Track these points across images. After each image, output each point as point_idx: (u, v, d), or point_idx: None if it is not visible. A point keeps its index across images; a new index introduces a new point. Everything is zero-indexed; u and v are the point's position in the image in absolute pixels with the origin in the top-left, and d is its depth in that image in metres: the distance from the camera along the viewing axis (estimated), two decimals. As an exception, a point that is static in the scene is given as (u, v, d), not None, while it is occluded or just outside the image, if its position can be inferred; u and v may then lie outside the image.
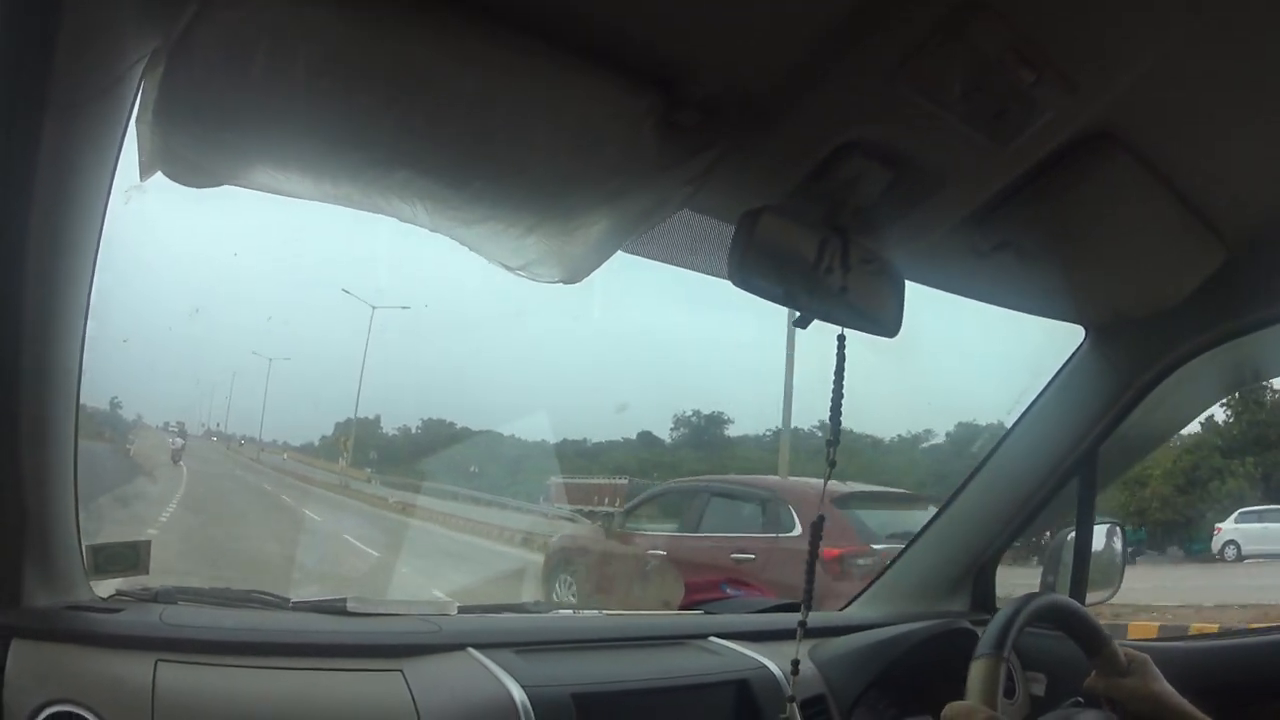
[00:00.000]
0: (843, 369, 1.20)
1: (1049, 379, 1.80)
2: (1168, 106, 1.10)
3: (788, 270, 1.13)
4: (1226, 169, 1.24)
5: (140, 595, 1.30)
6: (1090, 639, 1.37)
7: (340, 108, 0.94)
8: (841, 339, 1.19)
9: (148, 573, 1.35)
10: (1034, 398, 1.81)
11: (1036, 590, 1.37)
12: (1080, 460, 1.76)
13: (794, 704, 1.34)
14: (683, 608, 1.84)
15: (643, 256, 1.34)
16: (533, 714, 1.21)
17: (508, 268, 1.19)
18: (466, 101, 0.96)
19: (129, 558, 1.33)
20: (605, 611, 1.68)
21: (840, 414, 1.20)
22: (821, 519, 1.26)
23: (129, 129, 0.95)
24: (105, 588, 1.28)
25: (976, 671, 1.20)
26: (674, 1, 0.92)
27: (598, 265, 1.19)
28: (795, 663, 1.33)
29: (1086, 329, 1.73)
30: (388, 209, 1.07)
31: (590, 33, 0.94)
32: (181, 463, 18.03)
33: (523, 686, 1.24)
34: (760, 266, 1.10)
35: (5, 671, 1.02)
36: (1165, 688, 1.36)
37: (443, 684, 1.24)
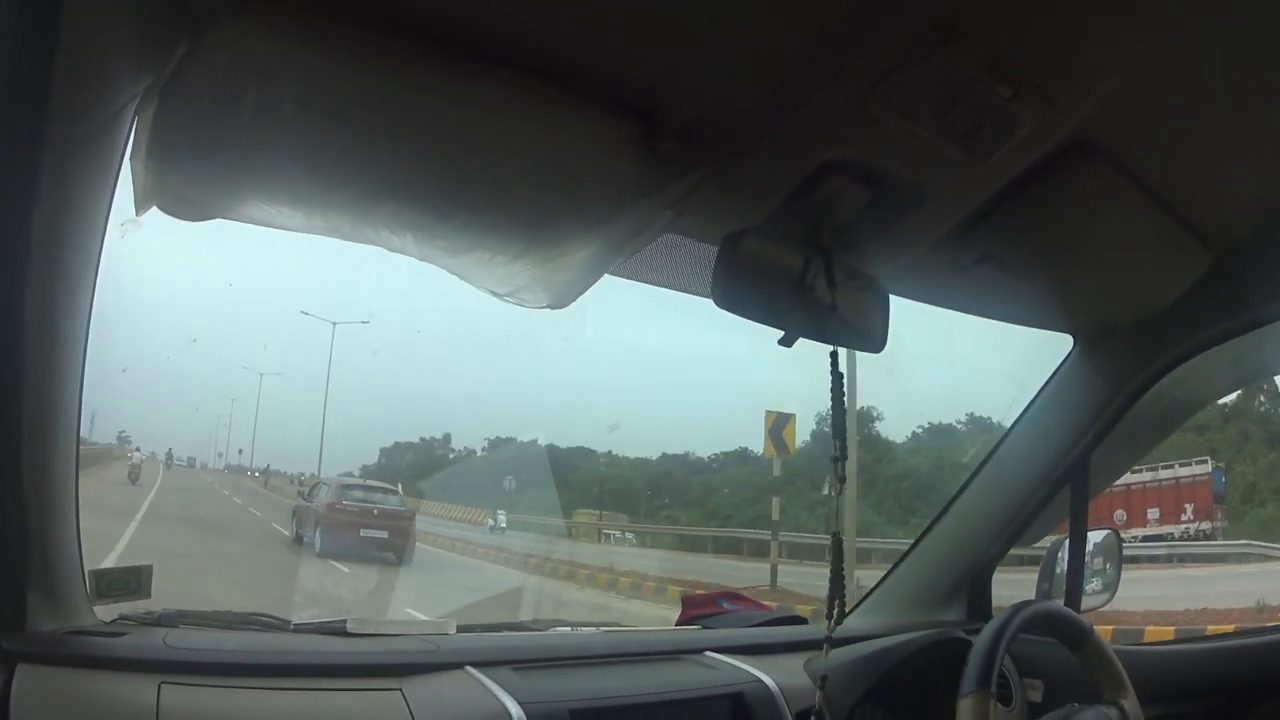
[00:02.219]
0: (841, 385, 1.20)
1: (1039, 388, 1.81)
2: (1145, 116, 1.10)
3: (772, 290, 1.13)
4: (1207, 175, 1.25)
5: (143, 619, 1.31)
6: (1071, 634, 1.40)
7: (330, 144, 0.96)
8: (834, 355, 1.20)
9: (149, 596, 1.36)
10: (1025, 406, 1.82)
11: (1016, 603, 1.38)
12: (1072, 467, 1.77)
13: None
14: (680, 622, 1.84)
15: (628, 279, 1.36)
16: None
17: (495, 294, 1.21)
18: (452, 135, 0.98)
19: (130, 583, 1.35)
20: (602, 628, 1.68)
21: (844, 429, 1.21)
22: (839, 536, 1.28)
23: (123, 165, 0.97)
24: (108, 612, 1.29)
25: (964, 710, 1.22)
26: (650, 32, 0.93)
27: (584, 289, 1.21)
28: (824, 678, 1.38)
29: (1075, 338, 1.74)
30: (377, 240, 1.10)
31: (569, 65, 0.96)
32: (140, 481, 16.79)
33: (520, 704, 1.24)
34: (743, 288, 1.11)
35: (11, 696, 1.02)
36: None
37: (441, 702, 1.25)
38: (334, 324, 20.62)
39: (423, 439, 31.43)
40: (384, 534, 11.43)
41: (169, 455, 30.53)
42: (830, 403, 1.21)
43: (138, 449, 20.68)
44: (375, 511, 11.77)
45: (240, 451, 28.47)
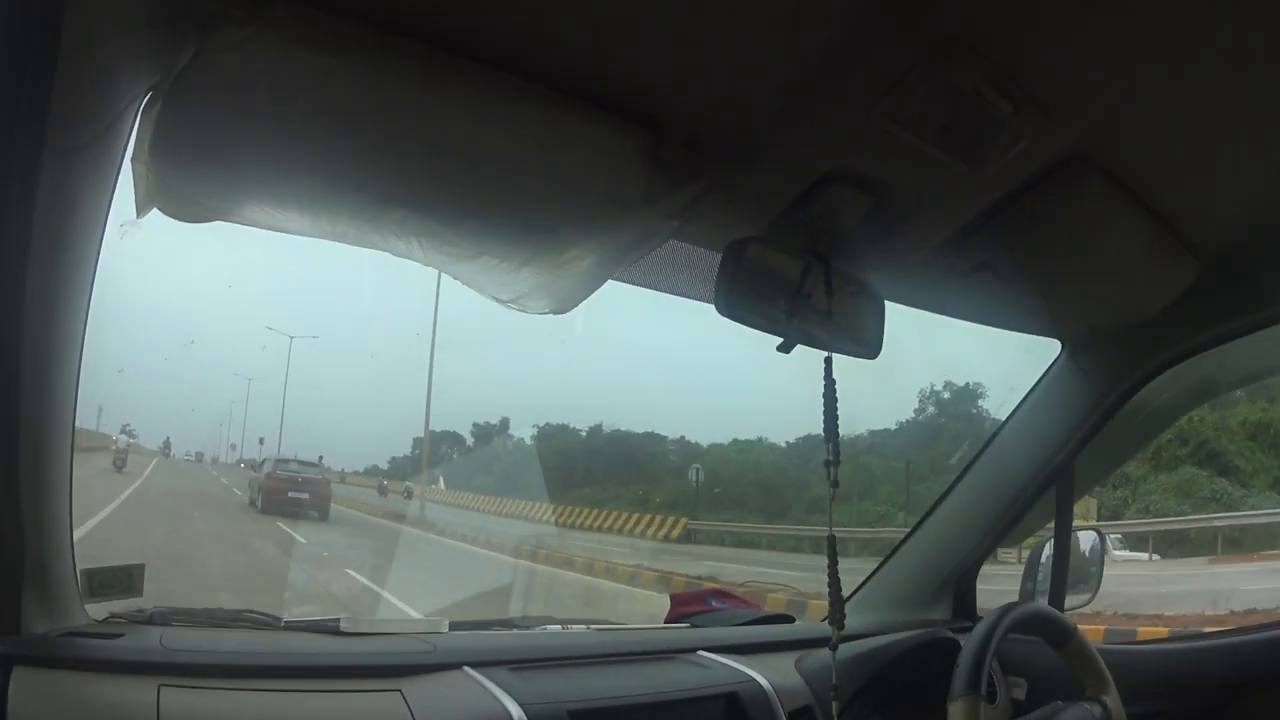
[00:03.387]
0: (833, 390, 1.21)
1: (1026, 391, 1.83)
2: (1140, 129, 1.12)
3: (771, 297, 1.15)
4: (1198, 188, 1.27)
5: (134, 618, 1.30)
6: (1056, 633, 1.43)
7: (338, 149, 0.96)
8: (828, 360, 1.21)
9: (141, 594, 1.35)
10: (1012, 409, 1.85)
11: (1005, 605, 1.40)
12: (1058, 469, 1.80)
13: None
14: (669, 619, 1.84)
15: (631, 284, 1.36)
16: None
17: (500, 301, 1.21)
18: (461, 143, 0.98)
19: (123, 581, 1.33)
20: (593, 626, 1.69)
21: (836, 434, 1.22)
22: (833, 537, 1.28)
23: (124, 166, 0.96)
24: (99, 611, 1.28)
25: (955, 713, 1.24)
26: (657, 42, 0.94)
27: (587, 295, 1.22)
28: (835, 687, 1.36)
29: (1063, 342, 1.76)
30: (383, 245, 1.09)
31: (577, 74, 0.97)
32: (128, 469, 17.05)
33: (521, 705, 1.24)
34: (745, 295, 1.13)
35: (8, 699, 1.01)
36: None
37: (442, 704, 1.24)
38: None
39: (477, 425, 31.39)
40: (305, 495, 15.53)
41: (166, 444, 30.31)
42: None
43: (122, 433, 19.75)
44: (299, 479, 15.94)
45: (261, 441, 27.60)
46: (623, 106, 1.01)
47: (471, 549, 13.50)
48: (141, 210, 0.97)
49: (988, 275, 1.40)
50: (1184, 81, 1.03)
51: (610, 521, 20.15)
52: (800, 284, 1.17)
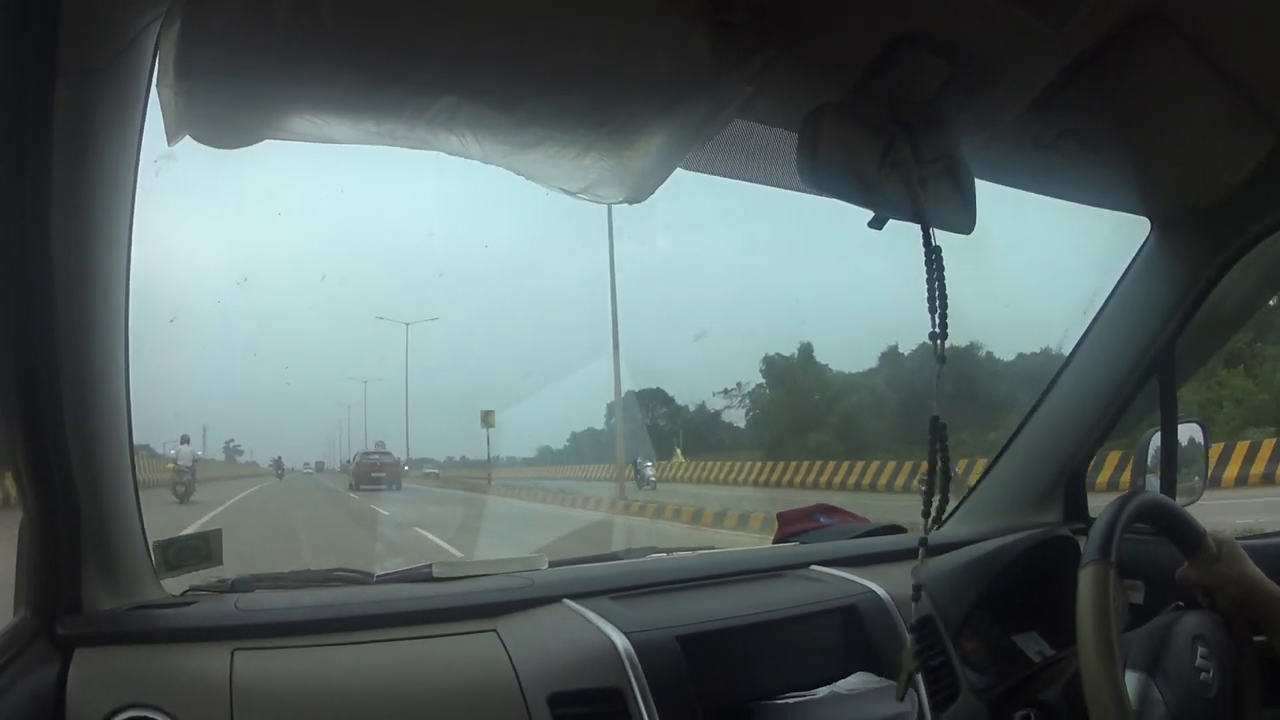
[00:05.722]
0: (936, 261, 1.12)
1: (1117, 278, 1.77)
2: None
3: (856, 169, 1.09)
4: (1275, 52, 1.20)
5: (215, 587, 1.26)
6: (1187, 536, 1.35)
7: (372, 41, 0.90)
8: (926, 231, 1.13)
9: (221, 563, 1.30)
10: (1106, 296, 1.78)
11: (1129, 491, 1.33)
12: (1158, 356, 1.73)
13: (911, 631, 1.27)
14: (777, 540, 1.79)
15: (703, 172, 1.30)
16: (637, 660, 1.16)
17: (568, 192, 1.15)
18: (504, 15, 0.92)
19: (200, 550, 1.27)
20: (699, 550, 1.64)
21: (945, 305, 1.12)
22: (937, 419, 1.13)
23: (150, 94, 0.91)
24: (178, 585, 1.24)
25: (1086, 580, 1.17)
26: None
27: (660, 182, 1.16)
28: (917, 587, 1.23)
29: (1152, 221, 1.69)
30: (435, 143, 1.04)
31: None
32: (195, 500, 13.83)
33: (624, 633, 1.19)
34: (829, 167, 1.07)
35: (68, 683, 0.97)
36: (1254, 569, 1.34)
37: (540, 638, 1.19)
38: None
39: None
40: (382, 474, 22.72)
41: (278, 464, 29.90)
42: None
43: (181, 444, 15.22)
44: (378, 463, 23.34)
45: (380, 443, 28.07)
46: None
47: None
48: (173, 138, 0.92)
49: (1072, 144, 1.35)
50: None
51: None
52: (883, 156, 1.13)
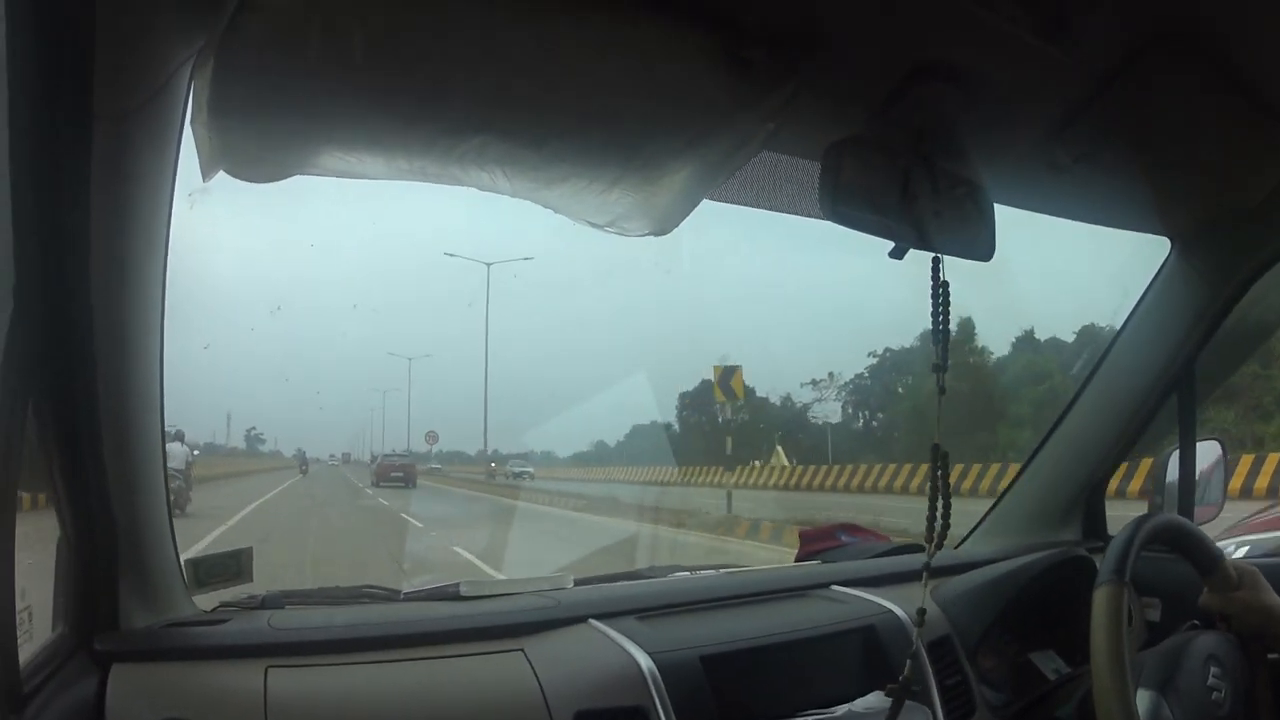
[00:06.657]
0: (942, 293, 1.16)
1: (1138, 297, 1.76)
2: (1228, 4, 1.07)
3: (877, 199, 1.11)
4: None
5: (246, 604, 1.28)
6: (1204, 557, 1.35)
7: (404, 80, 0.91)
8: (936, 261, 1.16)
9: (251, 580, 1.32)
10: (1126, 316, 1.78)
11: (1147, 513, 1.34)
12: (1178, 375, 1.73)
13: (920, 648, 1.30)
14: (799, 558, 1.81)
15: (729, 203, 1.32)
16: (660, 680, 1.18)
17: (594, 225, 1.17)
18: (531, 58, 0.93)
19: (230, 567, 1.30)
20: (722, 570, 1.66)
21: (947, 338, 1.17)
22: (937, 448, 1.18)
23: (184, 132, 0.94)
24: (209, 601, 1.26)
25: (1100, 599, 1.18)
26: None
27: (686, 214, 1.17)
28: (921, 611, 1.27)
29: (1172, 240, 1.69)
30: (465, 179, 1.05)
31: None
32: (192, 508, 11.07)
33: (649, 653, 1.20)
34: (852, 198, 1.09)
35: (106, 699, 0.99)
36: (1274, 598, 1.35)
37: (566, 658, 1.21)
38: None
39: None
40: (401, 474, 25.36)
41: (301, 458, 31.04)
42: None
43: (173, 440, 9.98)
44: (397, 464, 26.29)
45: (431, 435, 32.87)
46: (699, 7, 0.96)
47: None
48: (207, 174, 0.94)
49: (1090, 168, 1.35)
50: None
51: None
52: (904, 186, 1.14)
